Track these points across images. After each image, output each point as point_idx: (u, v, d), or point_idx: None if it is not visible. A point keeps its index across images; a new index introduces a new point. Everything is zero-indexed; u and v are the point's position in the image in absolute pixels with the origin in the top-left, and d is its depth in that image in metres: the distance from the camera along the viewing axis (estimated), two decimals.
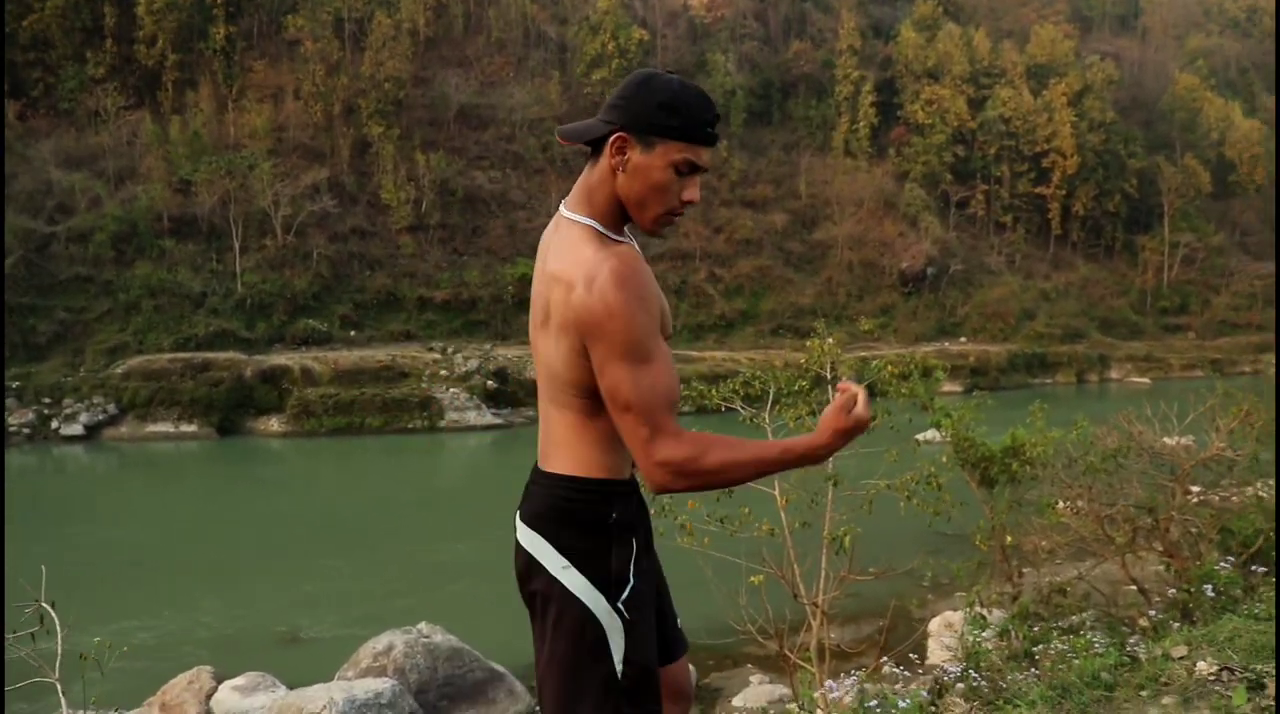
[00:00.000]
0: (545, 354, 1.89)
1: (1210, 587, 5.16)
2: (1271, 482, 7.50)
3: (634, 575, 1.87)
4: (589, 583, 1.84)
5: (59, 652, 3.72)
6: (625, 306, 1.74)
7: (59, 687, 3.75)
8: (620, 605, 1.85)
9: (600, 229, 1.86)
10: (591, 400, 1.85)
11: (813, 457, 1.82)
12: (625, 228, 1.92)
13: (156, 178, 45.58)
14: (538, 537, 1.89)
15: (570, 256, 1.82)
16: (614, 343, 1.75)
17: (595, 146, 1.88)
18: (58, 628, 3.61)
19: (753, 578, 5.18)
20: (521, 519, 1.95)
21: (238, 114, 49.91)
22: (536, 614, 1.91)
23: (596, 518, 1.88)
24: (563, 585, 1.85)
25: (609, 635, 1.84)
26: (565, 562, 1.86)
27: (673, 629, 2.15)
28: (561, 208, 1.94)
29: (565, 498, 1.89)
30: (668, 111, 1.80)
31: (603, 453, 1.89)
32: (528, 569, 1.91)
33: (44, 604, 3.72)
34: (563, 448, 1.91)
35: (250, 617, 14.24)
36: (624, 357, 1.75)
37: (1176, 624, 5.12)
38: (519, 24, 60.28)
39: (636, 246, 1.92)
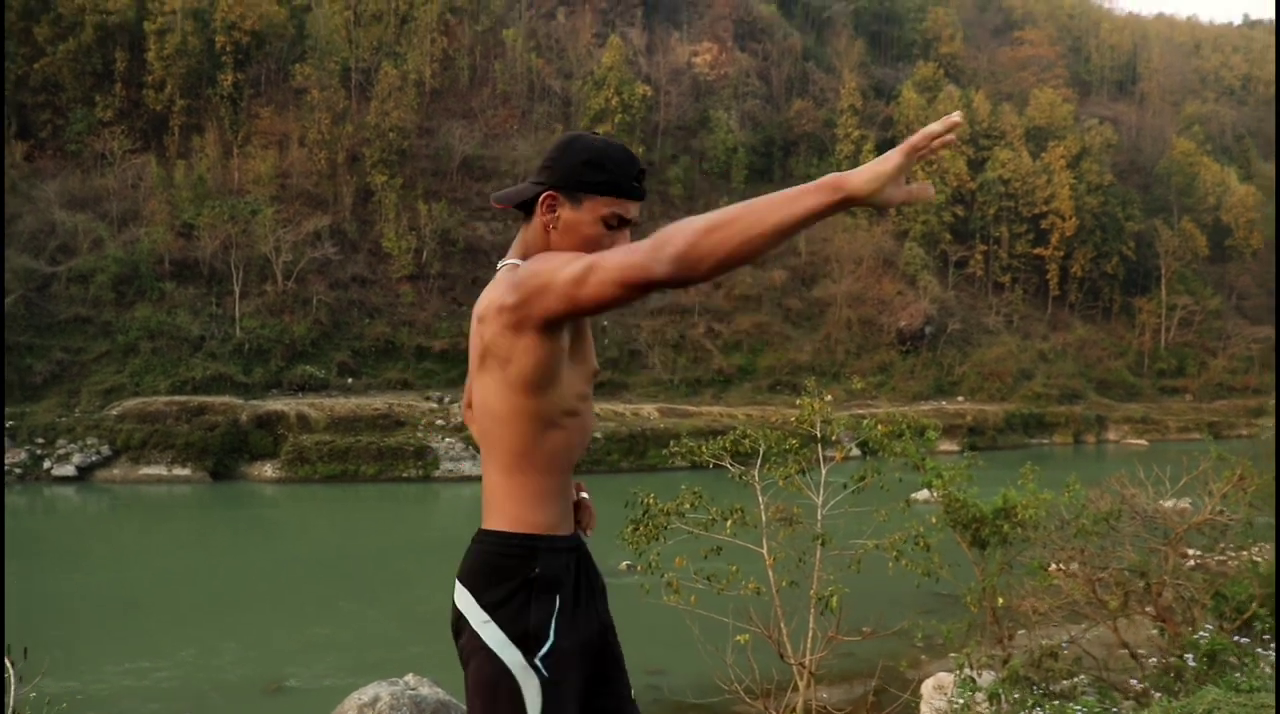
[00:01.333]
0: (480, 400, 1.91)
1: (1191, 657, 5.10)
2: (1266, 545, 7.46)
3: (554, 633, 1.86)
4: (506, 638, 1.84)
5: (10, 704, 3.64)
6: None
7: None
8: (538, 662, 1.83)
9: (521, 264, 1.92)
10: (519, 457, 1.89)
11: (837, 186, 1.67)
12: None
13: (159, 221, 45.80)
14: (465, 592, 1.90)
15: (488, 294, 1.87)
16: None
17: (528, 208, 1.97)
18: (10, 680, 3.52)
19: (739, 637, 5.12)
20: (457, 576, 1.96)
21: (242, 160, 50.29)
22: (464, 668, 1.91)
23: (519, 573, 1.88)
24: (482, 640, 1.85)
25: (524, 692, 1.82)
26: (486, 616, 1.86)
27: (626, 707, 2.06)
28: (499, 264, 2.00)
29: (492, 553, 1.90)
30: (593, 168, 1.89)
31: (530, 510, 1.91)
32: (456, 624, 1.92)
33: (8, 659, 3.62)
34: (494, 505, 1.94)
35: (237, 663, 14.07)
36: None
37: (1159, 694, 5.05)
38: (524, 78, 60.97)
39: None
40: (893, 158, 1.71)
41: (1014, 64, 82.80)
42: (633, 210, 1.92)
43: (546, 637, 1.85)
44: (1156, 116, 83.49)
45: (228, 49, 51.86)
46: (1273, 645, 6.30)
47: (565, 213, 1.90)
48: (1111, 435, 57.46)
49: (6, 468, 34.56)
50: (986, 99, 70.86)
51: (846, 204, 1.70)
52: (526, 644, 1.84)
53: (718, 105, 64.89)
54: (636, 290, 1.72)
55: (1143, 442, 53.99)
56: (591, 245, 1.87)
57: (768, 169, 65.74)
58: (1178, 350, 66.74)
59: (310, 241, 46.77)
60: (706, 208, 52.52)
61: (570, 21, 66.27)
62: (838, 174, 1.70)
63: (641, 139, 59.05)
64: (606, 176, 1.90)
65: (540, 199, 1.92)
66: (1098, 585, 6.41)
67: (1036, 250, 66.06)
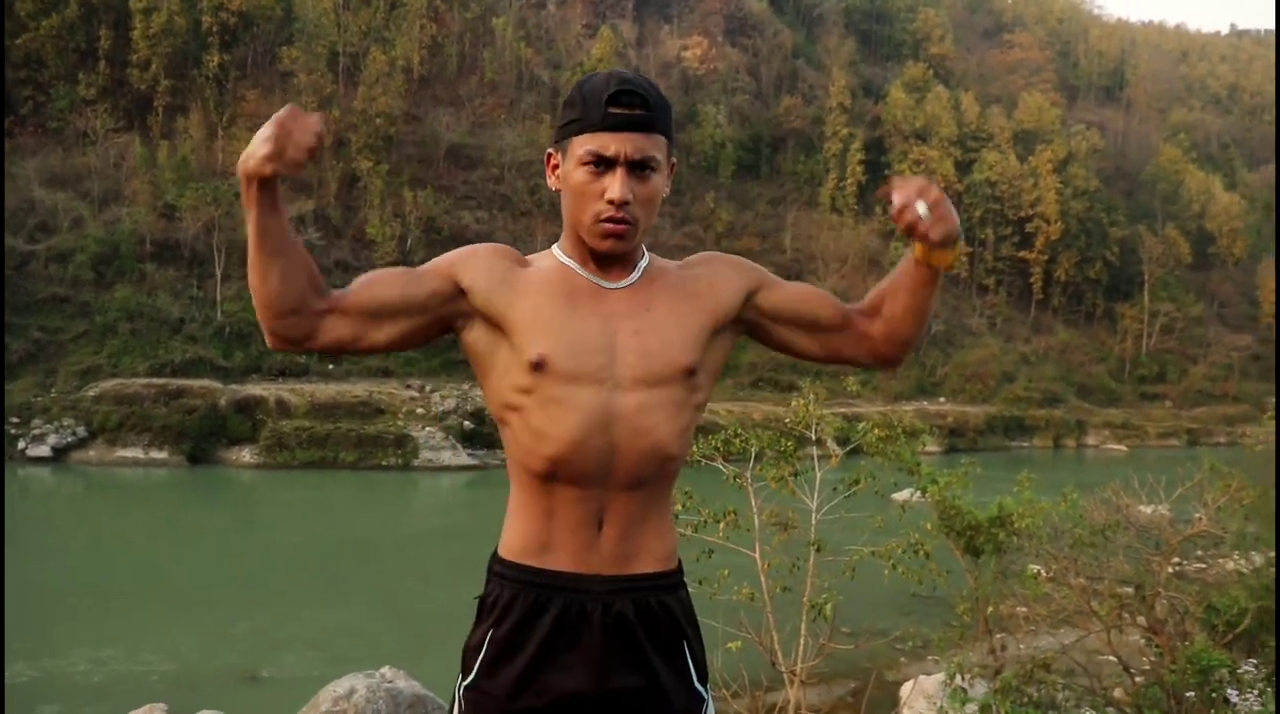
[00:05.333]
0: None
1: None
2: (1257, 557, 7.41)
3: (476, 669, 1.66)
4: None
5: None
6: None
7: None
8: (458, 691, 1.69)
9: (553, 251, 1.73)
10: (509, 462, 1.70)
11: None
12: (594, 252, 1.68)
13: (141, 201, 45.37)
14: None
15: None
16: None
17: None
18: None
19: (730, 644, 5.00)
20: None
21: (227, 141, 49.80)
22: None
23: (482, 594, 1.72)
24: None
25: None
26: None
27: None
28: None
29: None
30: (569, 106, 1.64)
31: (510, 523, 1.71)
32: None
33: None
34: None
35: (211, 652, 13.87)
36: None
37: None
38: (512, 67, 60.68)
39: (574, 268, 1.68)
40: (265, 129, 1.48)
41: (1003, 67, 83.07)
42: (611, 144, 1.58)
43: (470, 669, 1.67)
44: (1143, 123, 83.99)
45: (214, 30, 51.39)
46: (1258, 663, 6.25)
47: (562, 166, 1.64)
48: (1091, 440, 57.74)
49: None
50: (975, 101, 71.04)
51: (253, 185, 1.49)
52: (462, 664, 1.70)
53: (706, 100, 64.80)
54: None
55: (1122, 447, 54.29)
56: (578, 195, 1.61)
57: (755, 165, 65.71)
58: (1159, 356, 67.12)
59: (294, 226, 45.32)
60: (694, 202, 52.13)
61: (560, 12, 66.03)
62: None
63: None
64: (579, 110, 1.61)
65: (545, 159, 1.70)
66: (1090, 595, 6.34)
67: (1021, 253, 66.31)
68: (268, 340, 1.61)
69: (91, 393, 37.40)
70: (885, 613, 11.12)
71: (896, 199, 1.71)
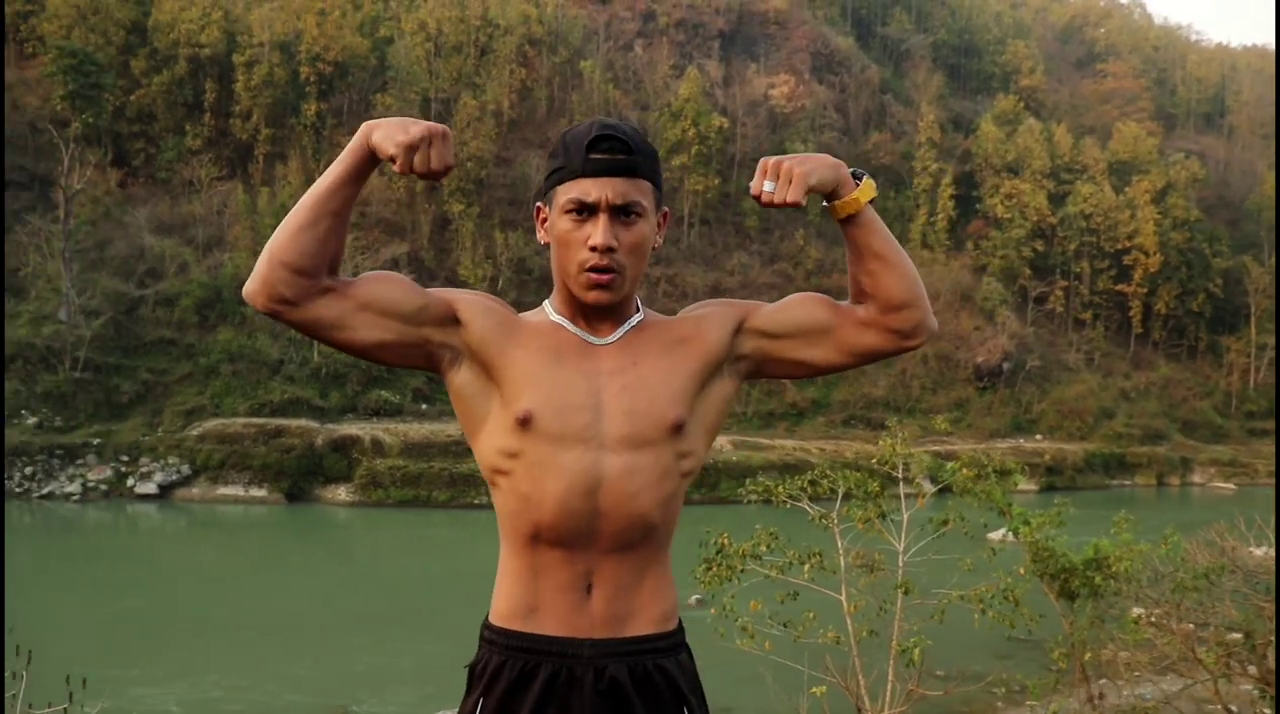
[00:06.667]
0: None
1: None
2: None
3: None
4: None
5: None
6: None
7: None
8: None
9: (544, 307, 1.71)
10: (501, 529, 1.67)
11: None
12: (583, 306, 1.64)
13: (243, 246, 46.87)
14: None
15: None
16: None
17: None
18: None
19: (815, 689, 4.92)
20: None
21: None
22: None
23: (473, 661, 1.68)
24: None
25: None
26: None
27: None
28: None
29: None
30: (553, 157, 1.64)
31: (499, 587, 1.68)
32: None
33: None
34: None
35: (304, 687, 14.11)
36: None
37: None
38: (601, 108, 61.41)
39: (560, 321, 1.66)
40: (417, 128, 1.56)
41: (1096, 97, 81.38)
42: (593, 190, 1.55)
43: None
44: (1246, 150, 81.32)
45: (311, 79, 53.17)
46: None
47: (550, 218, 1.63)
48: (1197, 478, 55.63)
49: (94, 484, 35.61)
50: (1068, 132, 69.64)
51: (366, 154, 1.60)
52: None
53: (794, 137, 64.66)
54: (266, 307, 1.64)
55: (1230, 485, 52.22)
56: (563, 245, 1.58)
57: None
58: (1267, 391, 64.43)
59: (388, 268, 47.32)
60: (782, 240, 52.04)
61: (648, 53, 66.70)
62: (363, 139, 1.62)
63: (717, 171, 59.08)
64: (562, 159, 1.60)
65: (535, 214, 1.71)
66: (1195, 642, 6.09)
67: (1119, 287, 64.49)
68: (250, 288, 1.65)
69: (195, 432, 38.55)
70: (979, 655, 10.84)
71: (752, 189, 1.72)
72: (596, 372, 1.61)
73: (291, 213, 1.59)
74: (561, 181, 1.58)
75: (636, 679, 1.57)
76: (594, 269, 1.57)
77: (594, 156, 1.57)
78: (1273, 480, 53.05)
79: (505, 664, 1.60)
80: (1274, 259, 60.80)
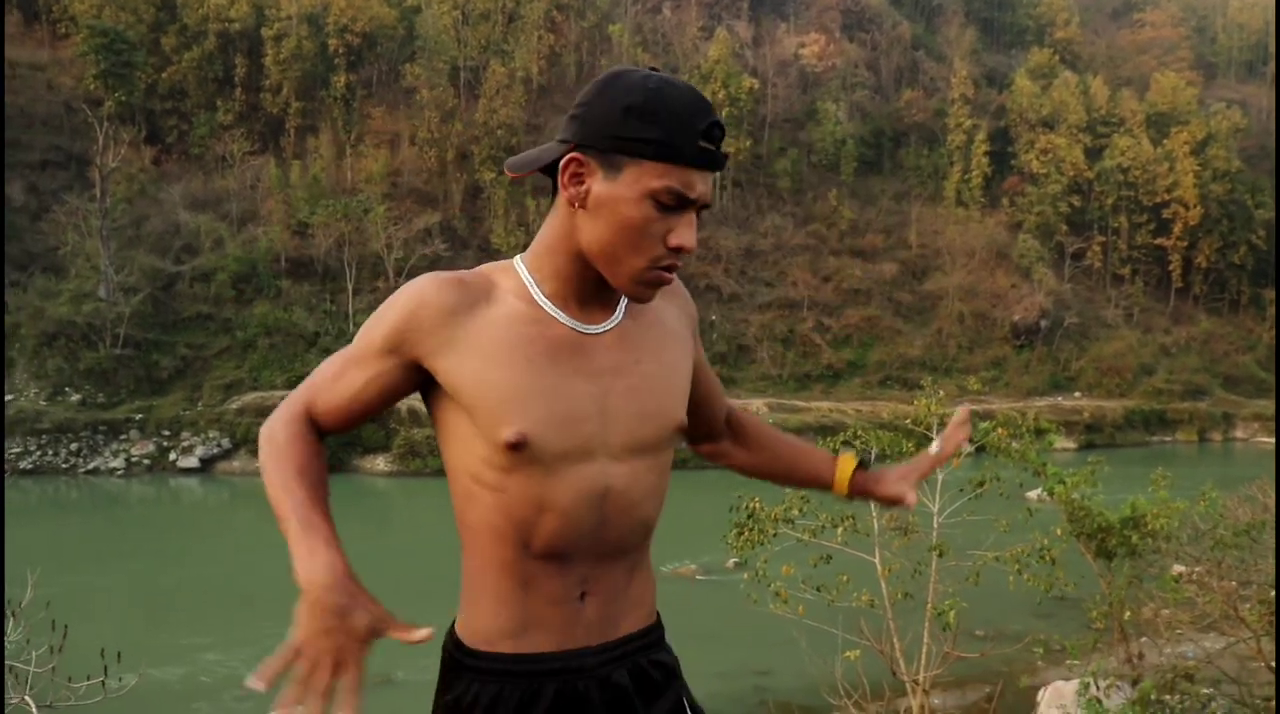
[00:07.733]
0: None
1: None
2: None
3: None
4: None
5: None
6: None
7: None
8: None
9: (515, 265, 1.43)
10: (467, 532, 1.50)
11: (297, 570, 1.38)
12: (590, 287, 1.41)
13: (276, 220, 47.20)
14: None
15: None
16: None
17: (554, 175, 1.38)
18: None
19: (849, 653, 4.90)
20: None
21: (355, 159, 51.50)
22: None
23: (440, 689, 1.48)
24: None
25: None
26: None
27: None
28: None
29: (443, 649, 1.50)
30: (641, 119, 1.29)
31: (472, 604, 1.48)
32: None
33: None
34: None
35: None
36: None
37: None
38: None
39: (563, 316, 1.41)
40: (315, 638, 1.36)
41: (1134, 47, 79.78)
42: (697, 185, 1.30)
43: None
44: None
45: (340, 51, 53.20)
46: None
47: (596, 184, 1.31)
48: (1240, 433, 54.94)
49: (137, 459, 36.19)
50: (1104, 84, 68.37)
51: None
52: None
53: (826, 97, 64.02)
54: None
55: (1273, 440, 51.54)
56: (633, 233, 1.31)
57: (877, 160, 64.63)
58: None
59: (421, 238, 47.62)
60: (815, 201, 51.48)
61: (676, 15, 66.11)
62: (299, 565, 1.41)
63: (749, 132, 58.64)
64: (661, 131, 1.28)
65: (562, 164, 1.34)
66: (1237, 600, 6.01)
67: (1158, 241, 63.47)
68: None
69: (234, 406, 39.01)
70: (1018, 615, 10.78)
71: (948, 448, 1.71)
72: (598, 371, 1.40)
73: (267, 476, 1.52)
74: (661, 159, 1.29)
75: (637, 680, 1.46)
76: (667, 268, 1.35)
77: (704, 145, 1.30)
78: None
79: (501, 695, 1.40)
80: (1274, 253, 59.48)
